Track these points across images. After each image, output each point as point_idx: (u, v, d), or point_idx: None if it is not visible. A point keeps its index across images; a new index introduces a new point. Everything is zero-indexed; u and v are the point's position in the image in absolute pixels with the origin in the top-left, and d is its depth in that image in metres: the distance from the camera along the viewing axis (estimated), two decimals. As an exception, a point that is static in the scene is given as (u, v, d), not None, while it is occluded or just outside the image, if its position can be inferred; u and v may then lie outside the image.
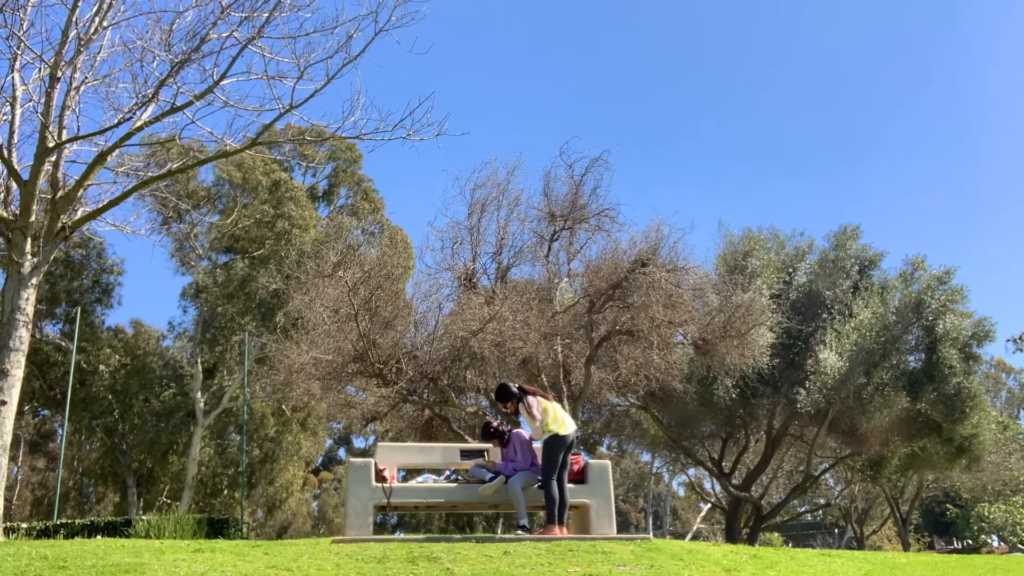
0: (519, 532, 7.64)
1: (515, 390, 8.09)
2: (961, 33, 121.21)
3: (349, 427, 41.08)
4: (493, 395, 8.48)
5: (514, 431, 8.18)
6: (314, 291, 15.08)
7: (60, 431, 33.50)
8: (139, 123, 10.12)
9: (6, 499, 10.09)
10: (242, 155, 23.87)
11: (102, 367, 28.42)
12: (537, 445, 8.15)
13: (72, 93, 10.46)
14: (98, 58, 10.95)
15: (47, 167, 10.25)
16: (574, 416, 16.51)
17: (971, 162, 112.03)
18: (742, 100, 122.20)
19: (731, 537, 22.36)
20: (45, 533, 13.34)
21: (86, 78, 10.69)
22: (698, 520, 50.92)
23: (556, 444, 7.78)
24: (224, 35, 9.88)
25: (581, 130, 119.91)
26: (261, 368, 23.62)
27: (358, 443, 47.83)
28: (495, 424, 8.32)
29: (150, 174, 11.31)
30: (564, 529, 7.71)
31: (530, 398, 7.93)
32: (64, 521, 14.50)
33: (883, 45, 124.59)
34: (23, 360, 9.59)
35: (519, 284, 16.61)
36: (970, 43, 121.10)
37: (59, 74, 10.13)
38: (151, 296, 72.95)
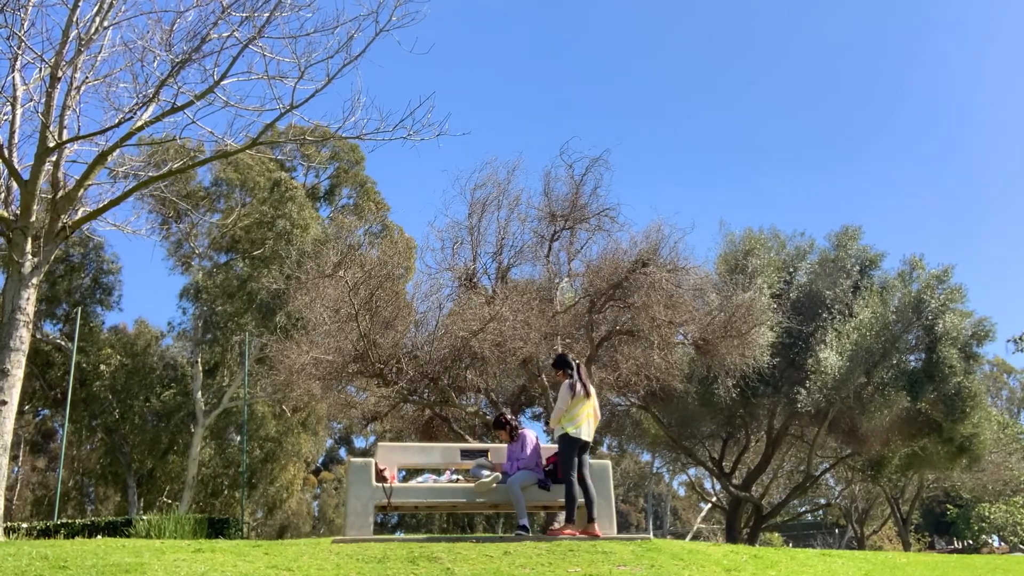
0: (519, 532, 7.64)
1: (572, 364, 8.08)
2: (962, 31, 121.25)
3: (349, 427, 41.09)
4: (553, 360, 8.48)
5: (523, 430, 8.20)
6: (314, 291, 15.08)
7: (60, 431, 33.49)
8: (140, 123, 10.11)
9: (6, 499, 10.09)
10: (241, 156, 23.90)
11: (102, 367, 28.42)
12: (546, 445, 8.21)
13: (73, 93, 10.45)
14: (99, 58, 10.95)
15: (47, 167, 10.24)
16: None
17: (971, 161, 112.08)
18: (742, 99, 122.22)
19: (731, 537, 22.36)
20: (45, 533, 13.35)
21: (87, 78, 10.69)
22: (698, 520, 50.90)
23: (565, 443, 7.78)
24: (225, 35, 9.88)
25: (581, 130, 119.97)
26: (261, 368, 23.62)
27: (358, 443, 47.85)
28: (508, 417, 8.32)
29: (150, 174, 11.30)
30: (596, 527, 7.65)
31: (578, 385, 7.91)
32: (64, 521, 14.50)
33: (883, 44, 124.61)
34: (24, 360, 9.59)
35: (519, 284, 16.60)
36: (971, 42, 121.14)
37: (60, 74, 10.12)
38: (151, 296, 73.03)
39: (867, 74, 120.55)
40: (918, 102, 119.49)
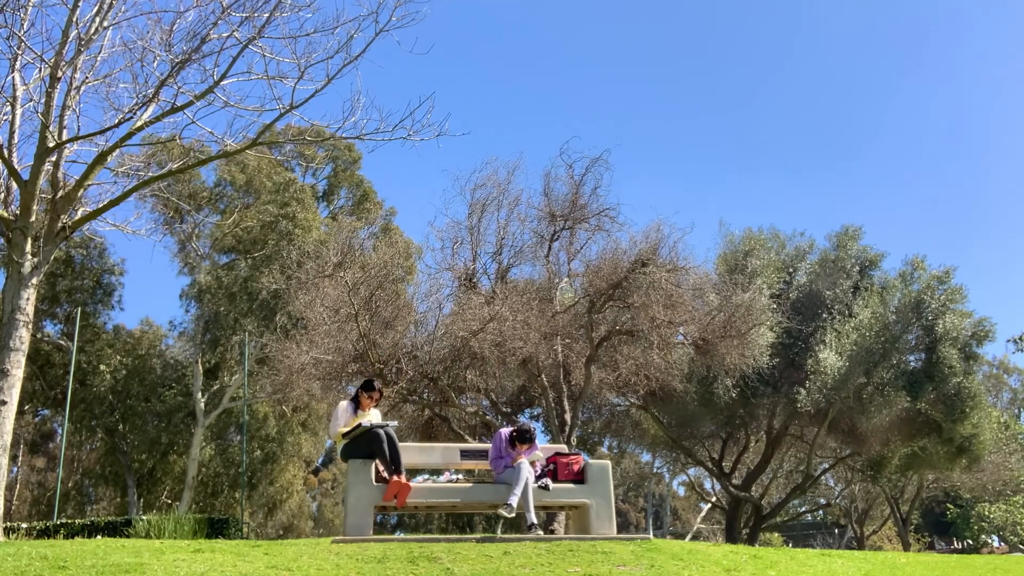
0: (530, 526, 7.56)
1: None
2: (964, 32, 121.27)
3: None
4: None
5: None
6: (315, 291, 15.09)
7: (60, 431, 33.49)
8: (140, 123, 10.11)
9: (6, 499, 10.10)
10: (247, 157, 23.90)
11: (102, 367, 28.40)
12: (545, 445, 8.26)
13: (72, 93, 10.45)
14: (98, 58, 10.96)
15: (47, 167, 10.25)
16: (574, 416, 16.60)
17: (973, 161, 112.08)
18: (743, 99, 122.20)
19: (731, 537, 22.36)
20: (45, 533, 13.33)
21: (86, 78, 10.69)
22: (698, 520, 50.87)
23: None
24: (224, 35, 9.88)
25: (581, 130, 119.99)
26: (262, 368, 23.63)
27: (358, 443, 47.72)
28: (532, 431, 8.23)
29: (150, 174, 11.31)
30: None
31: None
32: (64, 521, 14.48)
33: (884, 44, 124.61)
34: (23, 360, 9.59)
35: (519, 284, 16.62)
36: (973, 42, 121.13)
37: (59, 74, 10.12)
38: (152, 296, 73.05)
39: (868, 74, 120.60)
40: (919, 103, 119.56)
